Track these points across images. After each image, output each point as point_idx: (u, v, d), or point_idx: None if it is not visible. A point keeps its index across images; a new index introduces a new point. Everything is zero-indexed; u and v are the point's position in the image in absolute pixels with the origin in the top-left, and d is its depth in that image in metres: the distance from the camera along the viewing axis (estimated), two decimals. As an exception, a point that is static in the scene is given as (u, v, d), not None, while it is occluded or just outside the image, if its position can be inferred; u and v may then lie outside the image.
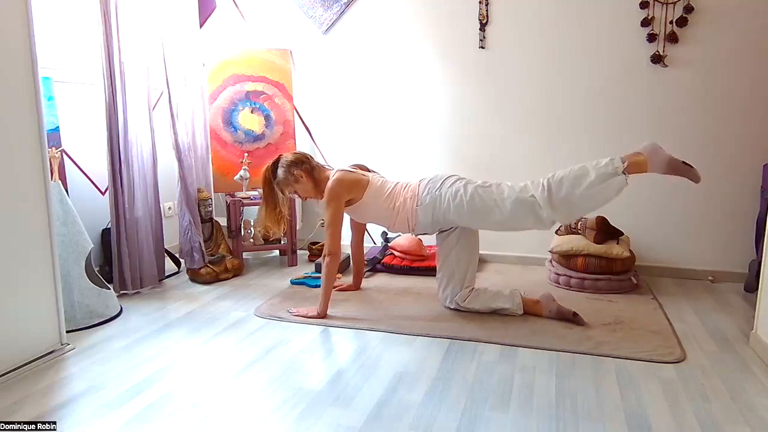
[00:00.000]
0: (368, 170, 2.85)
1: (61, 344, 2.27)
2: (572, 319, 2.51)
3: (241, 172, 3.49)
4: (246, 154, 3.56)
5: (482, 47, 3.43)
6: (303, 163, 2.70)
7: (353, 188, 2.63)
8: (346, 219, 2.76)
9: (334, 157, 3.77)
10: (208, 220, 3.37)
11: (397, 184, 2.67)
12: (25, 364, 2.11)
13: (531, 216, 2.37)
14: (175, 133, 3.18)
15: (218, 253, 3.35)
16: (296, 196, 2.80)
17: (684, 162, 2.25)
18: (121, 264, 2.91)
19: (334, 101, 3.77)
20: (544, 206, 2.31)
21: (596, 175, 2.24)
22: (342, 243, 2.69)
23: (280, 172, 2.69)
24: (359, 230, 3.00)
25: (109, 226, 2.99)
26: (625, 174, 2.24)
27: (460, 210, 2.46)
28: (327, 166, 2.81)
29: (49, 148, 2.27)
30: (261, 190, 2.80)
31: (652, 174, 3.20)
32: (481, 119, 3.51)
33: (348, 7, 3.63)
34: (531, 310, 2.60)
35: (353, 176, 2.66)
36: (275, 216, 2.73)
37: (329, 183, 2.61)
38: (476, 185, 2.48)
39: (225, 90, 3.63)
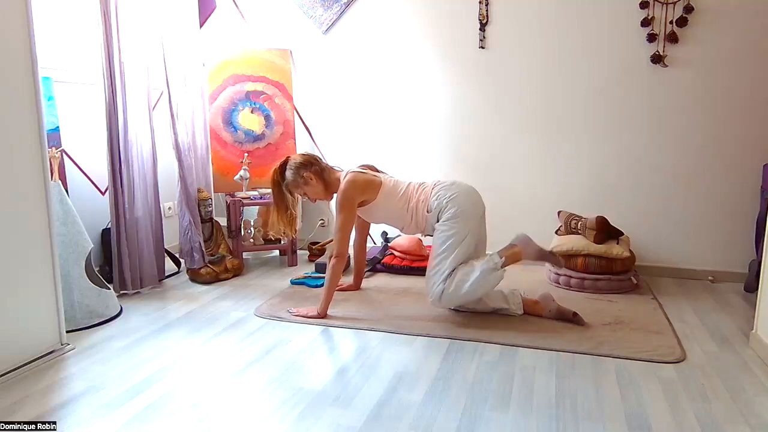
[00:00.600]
0: (377, 170, 2.82)
1: (61, 344, 2.27)
2: (572, 319, 2.51)
3: (241, 172, 3.49)
4: (246, 154, 3.56)
5: (482, 47, 3.43)
6: (312, 164, 2.66)
7: (367, 189, 2.61)
8: None
9: (334, 157, 3.77)
10: (208, 220, 3.37)
11: (409, 184, 2.66)
12: (25, 364, 2.11)
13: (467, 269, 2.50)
14: (175, 133, 3.18)
15: (218, 253, 3.36)
16: (305, 198, 2.78)
17: (550, 251, 2.64)
18: (121, 264, 2.91)
19: (334, 101, 3.77)
20: (441, 292, 2.48)
21: (480, 272, 2.45)
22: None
23: (289, 174, 2.65)
24: (363, 231, 2.99)
25: (109, 226, 2.99)
26: (503, 268, 2.50)
27: (440, 228, 2.52)
28: (336, 168, 2.78)
29: (49, 148, 2.27)
30: (267, 193, 2.78)
31: (652, 174, 3.24)
32: (481, 119, 3.51)
33: (348, 7, 3.63)
34: (531, 310, 2.60)
35: (366, 177, 2.63)
36: (287, 218, 2.72)
37: (342, 185, 2.58)
38: (467, 235, 2.50)
39: (225, 90, 3.63)
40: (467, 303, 2.59)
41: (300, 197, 2.78)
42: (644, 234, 3.32)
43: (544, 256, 2.58)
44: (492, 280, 2.48)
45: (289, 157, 2.72)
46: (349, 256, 3.31)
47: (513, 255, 2.54)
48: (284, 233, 2.78)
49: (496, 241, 2.76)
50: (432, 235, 2.60)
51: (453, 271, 2.48)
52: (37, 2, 2.43)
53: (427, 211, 2.56)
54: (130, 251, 2.93)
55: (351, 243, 2.99)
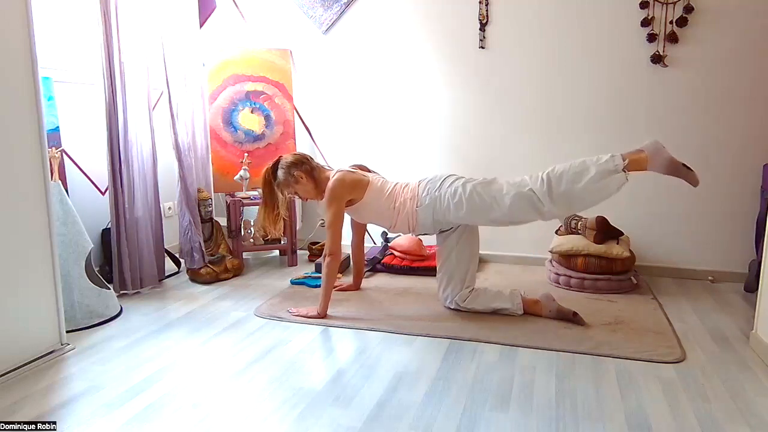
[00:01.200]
0: (368, 170, 2.85)
1: (61, 344, 2.27)
2: (572, 319, 2.51)
3: (241, 172, 3.49)
4: (246, 154, 3.56)
5: (482, 47, 3.43)
6: (303, 163, 2.69)
7: (354, 188, 2.63)
8: (347, 219, 2.76)
9: (334, 157, 3.77)
10: (208, 220, 3.37)
11: (396, 184, 2.67)
12: (25, 364, 2.11)
13: (531, 209, 2.37)
14: (175, 133, 3.18)
15: (218, 253, 3.36)
16: (297, 197, 2.80)
17: (684, 164, 2.25)
18: (121, 264, 2.91)
19: (334, 101, 3.77)
20: (544, 200, 2.31)
21: (596, 172, 2.24)
22: (342, 243, 2.69)
23: (280, 173, 2.69)
24: (360, 231, 3.00)
25: (109, 226, 2.98)
26: (625, 171, 2.24)
27: (459, 209, 2.46)
28: (327, 167, 2.82)
29: (49, 148, 2.27)
30: (261, 191, 2.80)
31: (653, 175, 3.22)
32: (481, 119, 3.51)
33: (348, 7, 3.63)
34: (531, 310, 2.60)
35: (354, 176, 2.66)
36: (273, 217, 2.74)
37: (330, 183, 2.61)
38: (475, 183, 2.48)
39: (225, 90, 3.63)
40: (467, 304, 2.60)
41: (291, 197, 2.80)
42: (644, 234, 3.32)
43: (677, 169, 2.23)
44: (612, 182, 2.22)
45: (281, 156, 2.75)
46: (348, 256, 3.32)
47: (637, 161, 2.25)
48: (270, 232, 2.78)
49: (496, 240, 2.78)
50: (423, 235, 2.61)
51: (546, 178, 2.30)
52: (37, 2, 2.43)
53: (418, 206, 2.55)
54: (130, 251, 2.93)
55: (348, 243, 3.00)
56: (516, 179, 2.42)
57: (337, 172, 2.67)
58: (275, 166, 2.72)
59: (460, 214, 2.47)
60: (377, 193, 2.64)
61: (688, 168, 2.25)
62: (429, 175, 2.64)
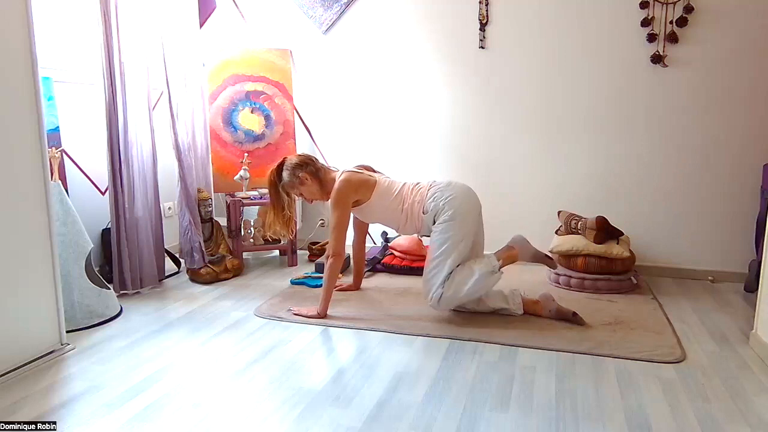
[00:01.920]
0: (374, 171, 2.84)
1: (61, 344, 2.27)
2: (572, 319, 2.51)
3: (241, 172, 3.49)
4: (246, 154, 3.56)
5: (482, 47, 3.43)
6: (308, 165, 2.68)
7: (360, 189, 2.62)
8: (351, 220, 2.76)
9: (335, 157, 3.77)
10: (208, 220, 3.37)
11: (404, 185, 2.66)
12: (25, 364, 2.11)
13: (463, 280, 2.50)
14: (175, 133, 3.18)
15: (218, 253, 3.36)
16: (302, 198, 2.79)
17: (546, 254, 2.65)
18: (121, 264, 2.91)
19: (334, 101, 3.77)
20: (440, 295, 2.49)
21: (479, 275, 2.47)
22: (342, 243, 2.69)
23: (285, 174, 2.68)
24: (362, 231, 2.99)
25: (109, 226, 2.99)
26: (501, 271, 2.54)
27: (445, 231, 2.51)
28: (332, 168, 2.81)
29: (49, 148, 2.27)
30: (267, 192, 2.80)
31: (652, 174, 3.24)
32: (481, 119, 3.51)
33: (348, 7, 3.63)
34: (531, 310, 2.60)
35: (360, 177, 2.65)
36: (283, 219, 2.73)
37: (336, 184, 2.60)
38: (463, 235, 2.51)
39: (225, 90, 3.63)
40: (466, 304, 2.60)
41: (297, 198, 2.79)
42: (644, 234, 3.32)
43: (540, 258, 2.64)
44: (490, 282, 2.52)
45: (285, 158, 2.74)
46: (348, 256, 3.32)
47: (510, 257, 2.60)
48: (281, 234, 2.79)
49: (495, 240, 2.78)
50: (429, 236, 2.60)
51: (451, 273, 2.49)
52: (37, 2, 2.43)
53: (423, 212, 2.56)
54: (130, 251, 2.93)
55: (350, 243, 3.00)
56: (484, 260, 2.56)
57: (343, 172, 2.66)
58: (280, 168, 2.71)
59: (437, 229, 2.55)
60: (384, 194, 2.63)
61: (549, 257, 2.67)
62: (441, 181, 2.64)
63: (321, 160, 3.29)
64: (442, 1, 3.45)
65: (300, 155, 2.74)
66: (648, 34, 3.14)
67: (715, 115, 3.14)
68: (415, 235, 2.78)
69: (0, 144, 2.00)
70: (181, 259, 3.38)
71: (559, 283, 3.07)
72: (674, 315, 2.65)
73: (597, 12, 3.22)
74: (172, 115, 3.15)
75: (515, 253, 2.61)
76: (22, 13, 2.06)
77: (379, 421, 1.75)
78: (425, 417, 1.77)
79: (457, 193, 2.56)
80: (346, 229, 2.63)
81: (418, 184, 2.66)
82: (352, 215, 2.75)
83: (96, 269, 2.67)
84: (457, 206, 2.51)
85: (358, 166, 2.81)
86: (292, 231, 2.83)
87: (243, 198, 3.47)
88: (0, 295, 2.03)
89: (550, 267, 2.72)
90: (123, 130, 2.86)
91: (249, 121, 3.67)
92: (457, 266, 2.51)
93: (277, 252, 3.84)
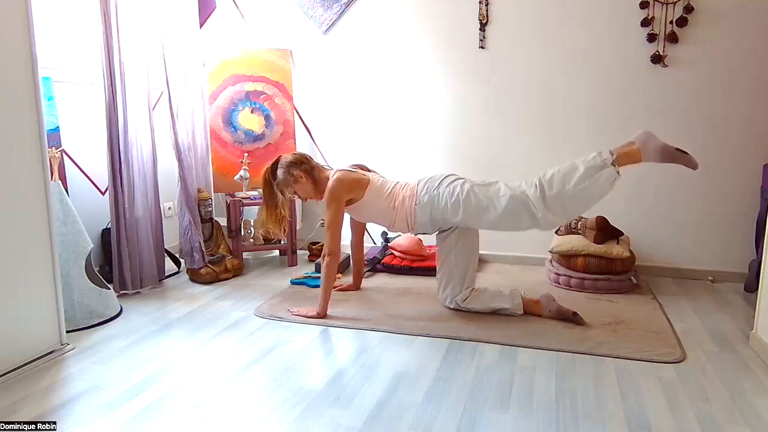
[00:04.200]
0: (368, 170, 2.85)
1: (61, 344, 2.27)
2: (572, 319, 2.51)
3: (241, 172, 3.49)
4: (246, 154, 3.56)
5: (482, 47, 3.43)
6: (302, 163, 2.70)
7: (354, 188, 2.63)
8: (346, 219, 2.76)
9: (335, 157, 3.77)
10: (208, 220, 3.37)
11: (396, 183, 2.67)
12: (25, 364, 2.11)
13: (526, 214, 2.35)
14: (175, 133, 3.18)
15: (218, 253, 3.36)
16: (296, 197, 2.80)
17: (678, 148, 2.18)
18: (121, 264, 2.91)
19: (334, 101, 3.77)
20: (538, 205, 2.30)
21: (585, 169, 2.21)
22: (342, 243, 2.69)
23: (280, 173, 2.69)
24: (359, 230, 3.00)
25: (109, 226, 2.99)
26: (614, 166, 2.19)
27: (456, 208, 2.46)
28: (326, 167, 2.82)
29: (49, 148, 2.27)
30: (261, 191, 2.80)
31: (652, 174, 3.23)
32: (481, 119, 3.51)
33: (348, 7, 3.63)
34: (531, 310, 2.60)
35: (354, 176, 2.66)
36: (276, 217, 2.74)
37: (330, 183, 2.61)
38: (473, 184, 2.48)
39: (225, 90, 3.63)
40: (467, 304, 2.60)
41: (291, 197, 2.80)
42: (644, 234, 3.32)
43: (672, 155, 2.14)
44: (603, 178, 2.16)
45: (280, 156, 2.75)
46: (348, 256, 3.32)
47: (628, 154, 2.19)
48: (273, 233, 2.79)
49: (495, 240, 2.78)
50: (422, 234, 2.61)
51: (539, 182, 2.28)
52: (37, 2, 2.43)
53: (416, 204, 2.55)
54: (130, 251, 2.93)
55: (348, 243, 3.00)
56: (515, 183, 2.41)
57: (336, 171, 2.67)
58: (274, 166, 2.72)
59: (456, 214, 2.47)
60: (377, 192, 2.64)
61: (684, 152, 2.18)
62: (428, 174, 2.64)
63: (321, 160, 3.30)
64: (442, 1, 3.45)
65: (294, 154, 2.75)
66: (648, 34, 3.14)
67: (715, 115, 3.14)
68: (408, 233, 2.78)
69: (0, 144, 2.00)
70: (181, 259, 3.38)
71: (559, 283, 3.07)
72: (674, 315, 2.65)
73: (597, 12, 3.22)
74: (172, 115, 3.15)
75: (636, 149, 2.18)
76: (22, 13, 2.06)
77: (379, 421, 1.75)
78: (425, 417, 1.77)
79: (446, 172, 2.61)
80: (341, 228, 2.63)
81: (408, 182, 2.66)
82: (348, 215, 2.75)
83: (96, 269, 2.67)
84: (456, 176, 2.55)
85: (352, 165, 2.82)
86: (285, 230, 2.83)
87: (243, 198, 3.47)
88: (0, 295, 2.03)
89: (689, 167, 2.17)
90: (123, 130, 2.86)
91: (249, 121, 3.67)
92: (544, 175, 2.28)
93: (277, 252, 3.84)
